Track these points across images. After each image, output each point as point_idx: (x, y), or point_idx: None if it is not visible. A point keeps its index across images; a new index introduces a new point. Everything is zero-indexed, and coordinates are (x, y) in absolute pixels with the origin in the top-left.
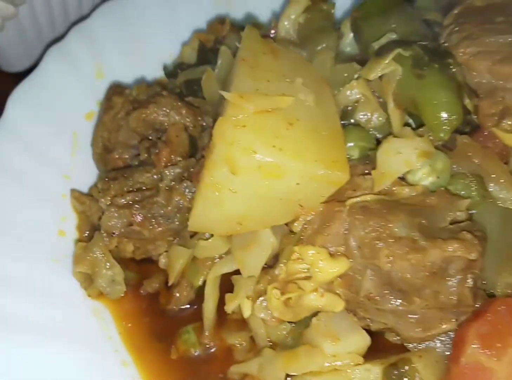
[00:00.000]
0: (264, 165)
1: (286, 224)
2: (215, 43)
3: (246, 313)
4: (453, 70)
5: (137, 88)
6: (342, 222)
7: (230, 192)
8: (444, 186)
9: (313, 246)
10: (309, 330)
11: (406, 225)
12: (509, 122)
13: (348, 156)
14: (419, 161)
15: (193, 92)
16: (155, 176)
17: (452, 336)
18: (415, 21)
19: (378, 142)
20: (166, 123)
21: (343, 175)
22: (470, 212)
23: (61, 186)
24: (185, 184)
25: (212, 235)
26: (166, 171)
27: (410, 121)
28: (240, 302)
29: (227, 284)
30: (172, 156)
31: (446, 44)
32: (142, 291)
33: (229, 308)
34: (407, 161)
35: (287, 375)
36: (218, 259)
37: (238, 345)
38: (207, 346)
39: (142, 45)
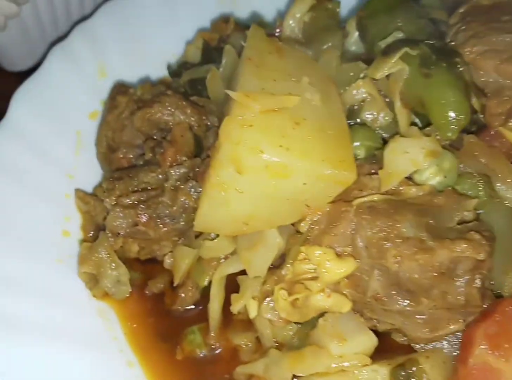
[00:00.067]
0: (271, 165)
1: (293, 224)
2: (219, 42)
3: (252, 313)
4: (461, 69)
5: (141, 88)
6: (349, 222)
7: (237, 192)
8: (451, 186)
9: (320, 246)
10: (316, 331)
11: (414, 225)
12: None
13: (354, 155)
14: (426, 161)
15: (198, 91)
16: (160, 176)
17: (460, 336)
18: (421, 20)
19: (384, 141)
20: (171, 123)
21: (350, 175)
22: (477, 211)
23: (64, 186)
24: (190, 184)
25: (217, 235)
26: (172, 171)
27: (417, 120)
28: (246, 303)
29: (232, 284)
30: (177, 156)
31: (452, 43)
32: (147, 291)
33: (235, 308)
34: (414, 161)
35: (294, 376)
36: (223, 259)
37: (244, 346)
38: (212, 346)
39: (145, 45)
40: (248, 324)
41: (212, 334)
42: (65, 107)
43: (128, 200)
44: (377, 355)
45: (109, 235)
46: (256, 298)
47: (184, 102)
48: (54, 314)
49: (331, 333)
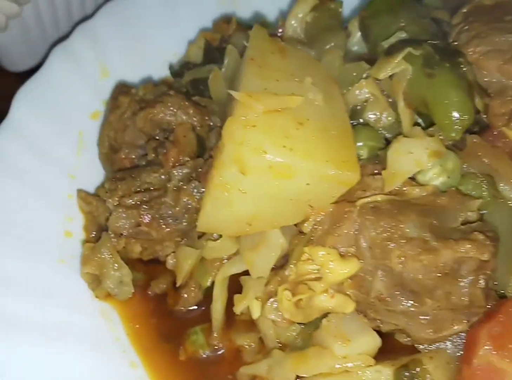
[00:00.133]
0: (274, 165)
1: (296, 225)
2: (221, 42)
3: (255, 314)
4: (464, 69)
5: (143, 88)
6: (352, 223)
7: (240, 192)
8: (455, 187)
9: (323, 246)
10: (319, 331)
11: (417, 226)
12: None
13: (357, 156)
14: (430, 161)
15: (200, 91)
16: (162, 177)
17: (463, 337)
18: (424, 20)
19: (387, 142)
20: (173, 123)
21: (353, 176)
22: (480, 212)
23: (66, 186)
24: (193, 184)
25: (220, 236)
26: (174, 172)
27: (419, 120)
28: (249, 303)
29: (235, 285)
30: (180, 156)
31: (455, 43)
32: (149, 292)
33: (238, 309)
34: (418, 161)
35: (297, 377)
36: (226, 260)
37: (247, 346)
38: (215, 347)
39: (147, 45)
40: (251, 325)
41: (215, 335)
42: (66, 108)
43: (130, 201)
44: (381, 355)
45: (112, 235)
46: (259, 298)
47: (186, 103)
48: (56, 314)
49: (335, 334)
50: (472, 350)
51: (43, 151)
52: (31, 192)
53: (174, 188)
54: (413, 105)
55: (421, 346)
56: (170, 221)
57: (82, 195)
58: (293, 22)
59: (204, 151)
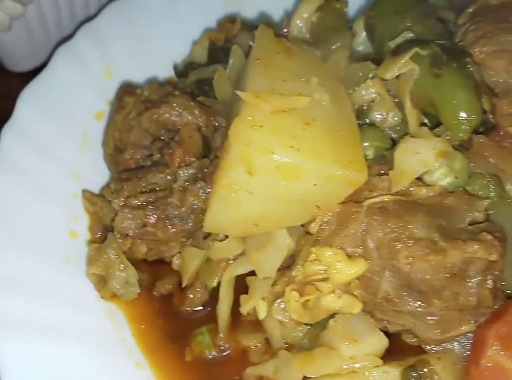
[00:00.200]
0: (282, 166)
1: (302, 225)
2: (225, 42)
3: (262, 314)
4: (471, 69)
5: (148, 88)
6: (359, 223)
7: (247, 193)
8: (462, 187)
9: (330, 247)
10: (326, 332)
11: (425, 226)
12: None
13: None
14: (437, 161)
15: (204, 91)
16: (168, 177)
17: (470, 337)
18: (430, 20)
19: (393, 142)
20: (178, 124)
21: (361, 176)
22: (487, 212)
23: (71, 187)
24: (199, 185)
25: (226, 236)
26: (180, 172)
27: (426, 121)
28: (255, 304)
29: (241, 285)
30: (185, 156)
31: (461, 43)
32: (155, 293)
33: (245, 309)
34: (425, 161)
35: (304, 377)
36: (232, 260)
37: (253, 347)
38: (221, 347)
39: (151, 45)
40: (257, 325)
41: (221, 335)
42: (71, 108)
43: (136, 201)
44: (387, 356)
45: (118, 236)
46: (266, 299)
47: (192, 103)
48: (62, 315)
49: (342, 334)
50: (480, 350)
51: (48, 152)
52: (35, 192)
53: (180, 188)
54: (419, 105)
55: (428, 347)
56: (176, 221)
57: (87, 195)
58: (298, 22)
59: (209, 152)
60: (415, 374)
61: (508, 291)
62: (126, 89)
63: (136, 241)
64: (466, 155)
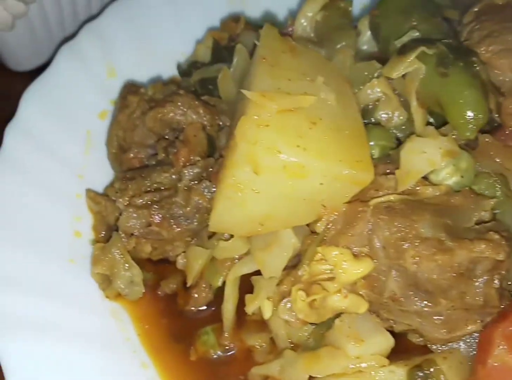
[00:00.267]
0: (288, 165)
1: (308, 224)
2: (229, 41)
3: (267, 314)
4: (477, 68)
5: (153, 87)
6: (366, 222)
7: (253, 192)
8: (468, 186)
9: (336, 246)
10: (332, 332)
11: (432, 225)
12: None
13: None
14: (444, 160)
15: (209, 91)
16: (173, 176)
17: (476, 336)
18: (436, 19)
19: (399, 141)
20: (183, 123)
21: (367, 175)
22: (494, 211)
23: (75, 186)
24: (204, 184)
25: (232, 236)
26: (185, 171)
27: (431, 120)
28: (260, 303)
29: (245, 285)
30: (190, 156)
31: (466, 42)
32: (159, 292)
33: (250, 309)
34: (431, 160)
35: (310, 377)
36: (237, 260)
37: (258, 347)
38: (226, 347)
39: (154, 44)
40: (262, 325)
41: (226, 335)
42: (74, 107)
43: (141, 200)
44: (393, 356)
45: (122, 235)
46: (271, 298)
47: (196, 102)
48: (66, 314)
49: (348, 334)
50: (486, 350)
51: (51, 151)
52: (39, 191)
53: (185, 188)
54: (426, 104)
55: (434, 346)
56: (181, 220)
57: (91, 195)
58: (302, 21)
59: (214, 151)
60: (421, 374)
61: None
62: (130, 89)
63: (141, 240)
64: (472, 154)
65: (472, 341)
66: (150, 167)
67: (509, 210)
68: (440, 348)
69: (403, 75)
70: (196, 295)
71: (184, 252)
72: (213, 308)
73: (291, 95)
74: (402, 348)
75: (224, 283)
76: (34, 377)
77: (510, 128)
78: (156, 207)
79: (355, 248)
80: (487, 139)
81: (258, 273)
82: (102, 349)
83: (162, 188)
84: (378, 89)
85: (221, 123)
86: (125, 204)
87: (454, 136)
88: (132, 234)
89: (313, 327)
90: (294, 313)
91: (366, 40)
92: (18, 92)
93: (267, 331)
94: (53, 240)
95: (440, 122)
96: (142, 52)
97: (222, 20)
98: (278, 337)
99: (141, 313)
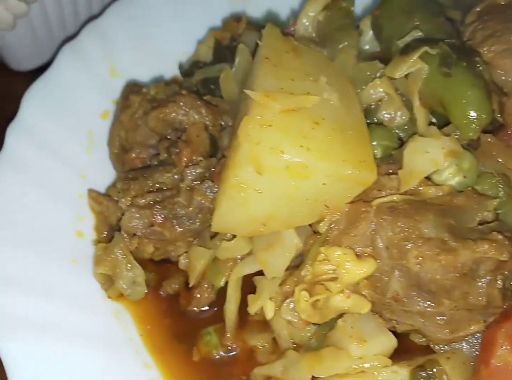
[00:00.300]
0: (291, 165)
1: (310, 225)
2: (231, 41)
3: (269, 314)
4: (480, 68)
5: (155, 87)
6: (369, 223)
7: (256, 192)
8: (471, 186)
9: (339, 246)
10: (335, 332)
11: (435, 226)
12: None
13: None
14: (447, 160)
15: (210, 91)
16: (175, 176)
17: (478, 336)
18: (439, 19)
19: (401, 141)
20: (185, 123)
21: (371, 176)
22: (496, 211)
23: (76, 186)
24: (206, 184)
25: (234, 236)
26: (187, 171)
27: (433, 120)
28: (263, 304)
29: (248, 285)
30: (193, 156)
31: (469, 42)
32: (161, 292)
33: (253, 309)
34: (434, 160)
35: (313, 377)
36: (239, 260)
37: (261, 347)
38: (229, 347)
39: (155, 44)
40: (264, 325)
41: (228, 335)
42: (76, 107)
43: (143, 201)
44: (396, 356)
45: (125, 235)
46: (273, 299)
47: (198, 102)
48: (68, 314)
49: (351, 334)
50: (489, 350)
51: (53, 151)
52: (41, 191)
53: (187, 188)
54: (428, 104)
55: (436, 347)
56: (183, 221)
57: (93, 195)
58: (304, 21)
59: (216, 151)
60: (424, 374)
61: None
62: (132, 88)
63: (143, 240)
64: (474, 154)
65: (475, 341)
66: (153, 168)
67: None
68: (442, 348)
69: (406, 75)
70: (198, 295)
71: (186, 252)
72: (215, 308)
73: (294, 95)
74: (405, 348)
75: (226, 283)
76: (37, 377)
77: None
78: (159, 207)
79: (358, 248)
80: (489, 139)
81: (260, 273)
82: (104, 349)
83: (165, 188)
84: (381, 89)
85: (223, 123)
86: (128, 204)
87: (456, 136)
88: (134, 234)
89: (316, 327)
90: (297, 313)
91: (368, 40)
92: (19, 92)
93: (269, 331)
94: (55, 240)
95: (442, 122)
96: (143, 52)
97: (224, 20)
98: (281, 337)
99: (143, 313)
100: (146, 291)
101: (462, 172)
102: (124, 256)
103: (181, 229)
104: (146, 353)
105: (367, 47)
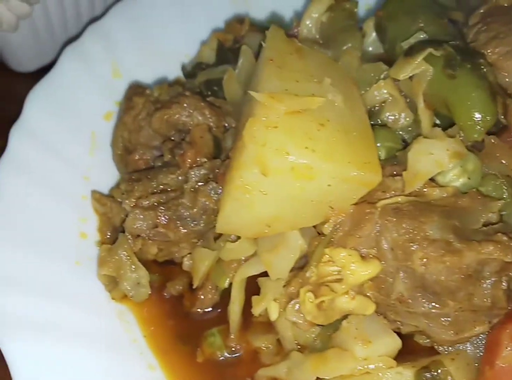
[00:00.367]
0: (297, 166)
1: (314, 226)
2: (233, 42)
3: (273, 315)
4: (484, 70)
5: (158, 88)
6: (373, 224)
7: (261, 194)
8: (475, 188)
9: (344, 248)
10: (339, 333)
11: (440, 227)
12: None
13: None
14: (451, 162)
15: (213, 92)
16: (179, 178)
17: (482, 337)
18: (443, 20)
19: (404, 143)
20: (189, 124)
21: (375, 177)
22: (501, 213)
23: (80, 187)
24: (210, 186)
25: (238, 237)
26: (191, 173)
27: (437, 121)
28: (267, 305)
29: (252, 286)
30: (197, 157)
31: (473, 44)
32: (165, 294)
33: (257, 310)
34: (439, 162)
35: (317, 379)
36: (243, 261)
37: (265, 348)
38: (233, 349)
39: (158, 45)
40: (268, 326)
41: (232, 336)
42: (79, 108)
43: (147, 202)
44: (400, 357)
45: (129, 236)
46: (278, 300)
47: (202, 103)
48: (72, 315)
49: (355, 335)
50: (494, 351)
51: (56, 152)
52: (44, 192)
53: (191, 189)
54: (433, 106)
55: (440, 348)
56: (188, 222)
57: (97, 196)
58: (308, 22)
59: (220, 152)
60: (429, 375)
61: None
62: (136, 90)
63: (147, 241)
64: (479, 156)
65: (479, 342)
66: (156, 169)
67: None
68: (447, 349)
69: (410, 77)
70: (202, 297)
71: (190, 253)
72: (219, 310)
73: (299, 97)
74: (409, 349)
75: (230, 284)
76: (41, 377)
77: None
78: (163, 208)
79: (363, 250)
80: (493, 141)
81: (264, 274)
82: (109, 351)
83: (169, 189)
84: (385, 91)
85: (226, 124)
86: (132, 205)
87: (461, 138)
88: (138, 235)
89: (320, 328)
90: (302, 315)
91: (371, 42)
92: (19, 93)
93: (273, 332)
94: (59, 241)
95: (446, 123)
96: (146, 53)
97: (227, 21)
98: (285, 339)
99: (147, 315)
100: (150, 292)
101: (467, 173)
102: (128, 257)
103: (185, 230)
104: (150, 354)
105: (370, 48)
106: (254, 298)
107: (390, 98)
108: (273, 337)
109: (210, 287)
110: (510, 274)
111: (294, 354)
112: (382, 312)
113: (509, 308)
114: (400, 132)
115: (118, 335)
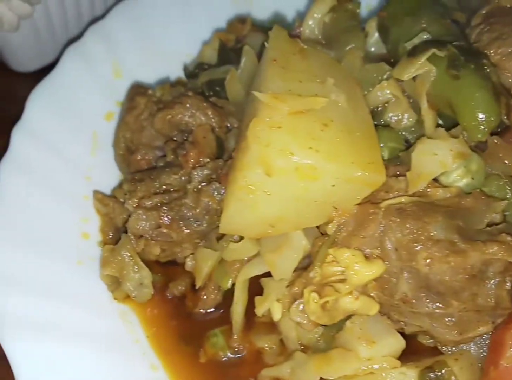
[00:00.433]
0: (301, 167)
1: (318, 226)
2: (235, 42)
3: (277, 316)
4: (488, 70)
5: (160, 89)
6: (377, 224)
7: (264, 194)
8: (478, 188)
9: (348, 248)
10: (343, 333)
11: (444, 227)
12: None
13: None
14: (455, 162)
15: (216, 92)
16: (182, 178)
17: (485, 338)
18: (446, 21)
19: (407, 143)
20: (191, 124)
21: (379, 177)
22: (504, 213)
23: (81, 187)
24: (213, 186)
25: (241, 238)
26: (194, 173)
27: (440, 122)
28: (270, 305)
29: (254, 286)
30: (200, 157)
31: (475, 44)
32: (168, 294)
33: (260, 311)
34: (443, 162)
35: (320, 379)
36: (246, 262)
37: (268, 349)
38: (236, 349)
39: (159, 45)
40: (271, 327)
41: (235, 337)
42: (81, 108)
43: (150, 202)
44: (404, 357)
45: (132, 237)
46: (281, 300)
47: (205, 104)
48: (74, 315)
49: (359, 336)
50: (498, 351)
51: (58, 152)
52: (46, 192)
53: (194, 189)
54: (436, 106)
55: (444, 348)
56: (190, 222)
57: (99, 196)
58: (310, 23)
59: (223, 153)
60: (432, 376)
61: None
62: (138, 90)
63: (150, 242)
64: (482, 156)
65: (483, 342)
66: (159, 169)
67: None
68: (450, 349)
69: (413, 77)
70: (205, 297)
71: (192, 253)
72: (222, 310)
73: (303, 97)
74: (413, 349)
75: (233, 285)
76: (44, 377)
77: None
78: (166, 208)
79: (366, 250)
80: (496, 141)
81: (267, 274)
82: (111, 351)
83: (171, 190)
84: (388, 91)
85: (229, 125)
86: (134, 205)
87: (464, 138)
88: (141, 236)
89: (324, 328)
90: (306, 315)
91: (373, 42)
92: (21, 93)
93: (276, 333)
94: (61, 241)
95: (449, 124)
96: (147, 53)
97: (228, 21)
98: (288, 339)
99: (150, 315)
100: (152, 293)
101: (470, 174)
102: (131, 258)
103: (188, 231)
104: (153, 354)
105: (372, 49)
106: (257, 298)
107: (393, 98)
108: (276, 337)
109: (212, 287)
110: None
111: (297, 354)
112: (386, 312)
113: None
114: (403, 133)
115: (121, 335)
